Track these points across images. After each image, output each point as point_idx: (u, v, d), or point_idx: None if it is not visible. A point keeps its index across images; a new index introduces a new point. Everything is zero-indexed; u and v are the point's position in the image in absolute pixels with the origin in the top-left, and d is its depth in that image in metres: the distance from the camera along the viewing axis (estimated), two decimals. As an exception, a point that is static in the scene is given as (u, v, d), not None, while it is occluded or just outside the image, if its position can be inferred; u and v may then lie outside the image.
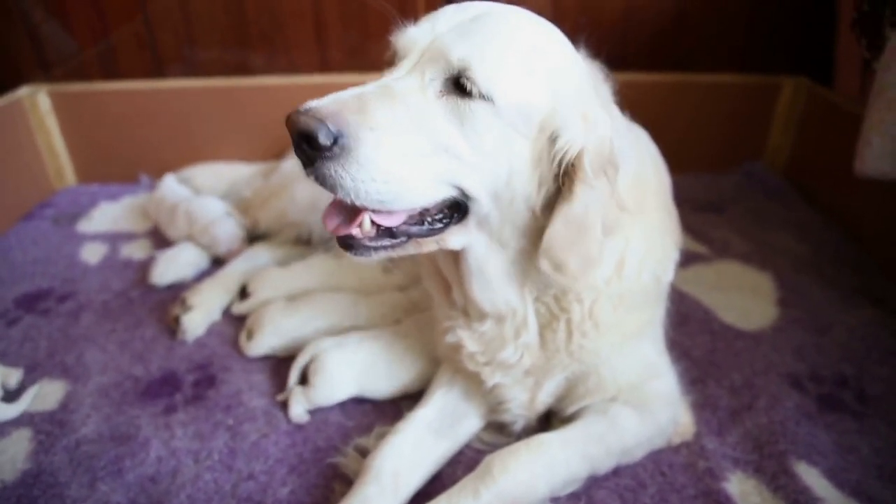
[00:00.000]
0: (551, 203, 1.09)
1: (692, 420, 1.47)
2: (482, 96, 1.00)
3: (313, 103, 0.97)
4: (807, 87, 2.67)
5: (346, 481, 1.31)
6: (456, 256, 1.20)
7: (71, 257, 2.22)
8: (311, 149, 0.95)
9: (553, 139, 1.05)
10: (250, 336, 1.72)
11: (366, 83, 1.04)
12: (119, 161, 2.74)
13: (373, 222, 1.05)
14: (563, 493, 1.28)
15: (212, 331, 1.84)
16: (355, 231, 1.06)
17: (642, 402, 1.35)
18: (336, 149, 0.95)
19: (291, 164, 2.22)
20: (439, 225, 1.11)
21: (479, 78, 0.99)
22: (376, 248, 1.09)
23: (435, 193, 1.05)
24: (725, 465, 1.38)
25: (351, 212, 1.07)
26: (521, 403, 1.37)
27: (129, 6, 2.55)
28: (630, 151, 1.25)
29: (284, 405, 1.54)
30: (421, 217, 1.10)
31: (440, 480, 1.35)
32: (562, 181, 1.06)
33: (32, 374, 1.67)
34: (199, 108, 2.66)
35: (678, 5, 2.64)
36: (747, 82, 2.75)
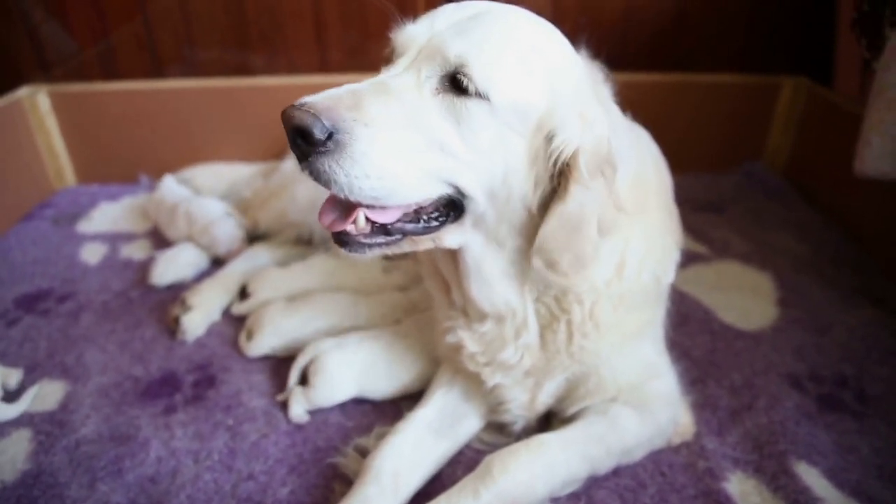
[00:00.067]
0: (547, 202, 1.09)
1: (692, 420, 1.47)
2: (478, 94, 1.00)
3: (308, 98, 0.97)
4: (807, 87, 2.67)
5: (346, 481, 1.31)
6: (454, 256, 1.20)
7: (71, 258, 2.22)
8: (306, 144, 0.96)
9: (549, 138, 1.05)
10: (250, 336, 1.72)
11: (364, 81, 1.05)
12: (119, 161, 2.74)
13: (367, 219, 1.05)
14: (563, 494, 1.28)
15: (212, 331, 1.84)
16: (350, 227, 1.06)
17: (642, 403, 1.35)
18: (330, 144, 0.96)
19: (291, 164, 2.22)
20: (435, 223, 1.11)
21: (476, 75, 0.99)
22: (371, 245, 1.09)
23: (430, 190, 1.05)
24: (725, 465, 1.38)
25: (347, 208, 1.07)
26: (521, 404, 1.37)
27: (129, 7, 2.55)
28: (631, 151, 1.25)
29: (284, 405, 1.54)
30: (416, 215, 1.10)
31: (440, 480, 1.35)
32: (557, 181, 1.06)
33: (32, 374, 1.67)
34: (199, 109, 2.67)
35: (678, 5, 2.64)
36: (747, 82, 2.76)
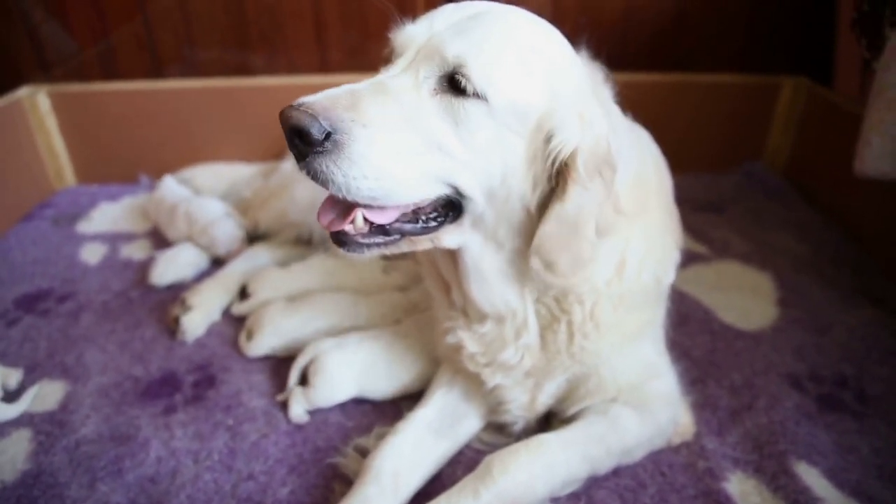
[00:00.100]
0: (546, 202, 1.09)
1: (692, 420, 1.47)
2: (476, 95, 1.00)
3: (306, 99, 0.97)
4: (807, 87, 2.67)
5: (346, 481, 1.31)
6: (454, 256, 1.20)
7: (71, 258, 2.22)
8: (304, 144, 0.96)
9: (548, 138, 1.05)
10: (250, 336, 1.72)
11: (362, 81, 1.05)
12: (119, 161, 2.74)
13: (366, 219, 1.05)
14: (563, 494, 1.28)
15: (211, 331, 1.84)
16: (348, 227, 1.06)
17: (642, 403, 1.35)
18: (328, 144, 0.96)
19: (291, 164, 2.20)
20: (433, 223, 1.11)
21: (474, 76, 0.99)
22: (369, 245, 1.09)
23: (428, 191, 1.05)
24: (725, 465, 1.38)
25: (345, 208, 1.07)
26: (521, 404, 1.37)
27: (129, 7, 2.55)
28: (631, 152, 1.25)
29: (284, 405, 1.54)
30: (415, 215, 1.10)
31: (440, 480, 1.35)
32: (555, 181, 1.06)
33: (32, 374, 1.67)
34: (199, 109, 2.67)
35: (678, 5, 2.64)
36: (747, 82, 2.76)
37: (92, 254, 2.26)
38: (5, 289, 2.03)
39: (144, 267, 2.12)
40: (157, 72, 2.69)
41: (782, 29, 2.71)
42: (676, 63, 2.74)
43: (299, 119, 0.94)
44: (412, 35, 1.08)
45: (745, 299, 1.97)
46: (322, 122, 0.95)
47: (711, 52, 2.74)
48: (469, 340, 1.31)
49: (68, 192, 2.69)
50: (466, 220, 1.12)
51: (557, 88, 1.05)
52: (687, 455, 1.41)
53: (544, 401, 1.37)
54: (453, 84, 1.01)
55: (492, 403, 1.41)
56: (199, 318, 1.82)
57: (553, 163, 1.05)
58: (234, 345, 1.77)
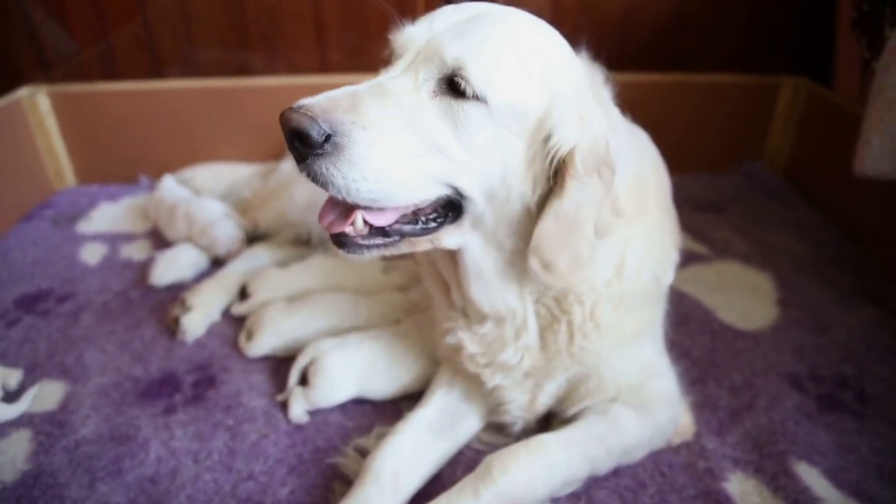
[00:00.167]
0: (545, 202, 1.09)
1: (692, 420, 1.47)
2: (476, 96, 1.00)
3: (306, 101, 0.97)
4: (807, 87, 2.67)
5: (346, 481, 1.31)
6: (454, 257, 1.20)
7: (70, 258, 2.22)
8: (304, 146, 0.96)
9: (547, 138, 1.05)
10: (250, 337, 1.72)
11: (362, 83, 1.05)
12: (118, 162, 2.74)
13: (365, 221, 1.05)
14: (563, 494, 1.28)
15: (211, 331, 1.84)
16: (348, 229, 1.06)
17: (642, 403, 1.35)
18: (328, 146, 0.96)
19: (290, 164, 2.21)
20: (433, 224, 1.11)
21: (473, 78, 0.99)
22: (369, 247, 1.09)
23: (428, 192, 1.05)
24: (725, 465, 1.38)
25: (345, 209, 1.07)
26: (521, 405, 1.37)
27: (129, 7, 2.55)
28: (630, 153, 1.25)
29: (284, 405, 1.54)
30: (414, 216, 1.10)
31: (440, 480, 1.35)
32: (554, 180, 1.06)
33: (32, 374, 1.67)
34: (199, 109, 2.66)
35: (678, 5, 2.64)
36: (747, 82, 2.75)
37: (92, 254, 2.26)
38: (5, 289, 2.03)
39: (144, 267, 2.12)
40: (157, 72, 2.69)
41: (782, 29, 2.71)
42: (676, 63, 2.74)
43: (299, 121, 0.94)
44: (412, 37, 1.08)
45: (745, 299, 1.97)
46: (322, 124, 0.95)
47: (711, 52, 2.74)
48: (469, 341, 1.31)
49: (68, 193, 2.69)
50: (466, 220, 1.12)
51: (556, 89, 1.05)
52: (687, 455, 1.41)
53: (544, 401, 1.37)
54: (452, 86, 1.01)
55: (492, 404, 1.41)
56: (198, 318, 1.82)
57: (552, 161, 1.05)
58: (234, 345, 1.77)
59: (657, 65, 2.73)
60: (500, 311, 1.24)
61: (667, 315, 1.47)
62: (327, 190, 1.00)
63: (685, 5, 2.64)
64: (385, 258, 1.87)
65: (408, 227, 1.10)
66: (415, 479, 1.30)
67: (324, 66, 2.72)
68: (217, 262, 2.14)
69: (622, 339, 1.31)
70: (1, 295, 1.99)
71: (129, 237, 2.37)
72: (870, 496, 1.31)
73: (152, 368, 1.69)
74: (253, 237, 2.21)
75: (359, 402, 1.57)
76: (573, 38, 1.17)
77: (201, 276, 2.08)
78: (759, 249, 2.24)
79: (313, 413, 1.53)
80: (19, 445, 1.45)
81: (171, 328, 1.83)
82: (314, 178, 0.99)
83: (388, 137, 0.99)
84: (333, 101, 0.98)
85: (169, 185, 2.43)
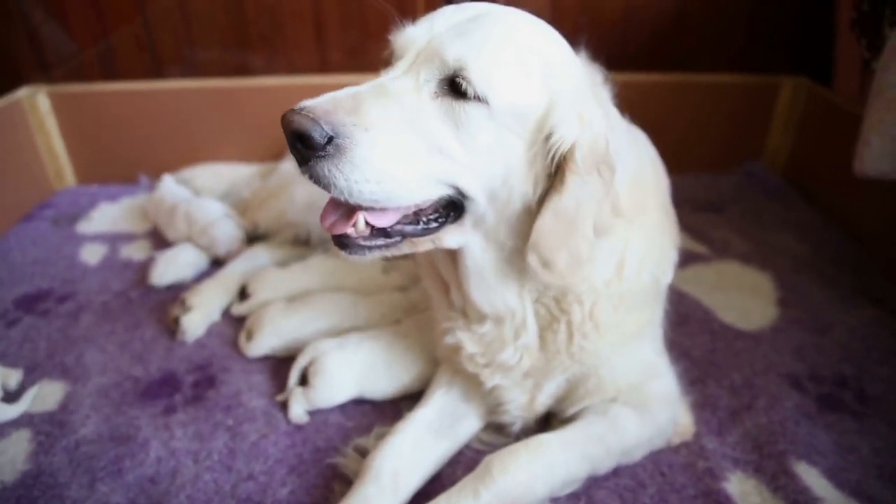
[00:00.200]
0: (545, 201, 1.08)
1: (692, 420, 1.47)
2: (477, 97, 1.00)
3: (308, 102, 0.97)
4: (807, 87, 2.67)
5: (346, 481, 1.31)
6: (454, 256, 1.20)
7: (70, 258, 2.22)
8: (306, 148, 0.96)
9: (548, 137, 1.05)
10: (250, 337, 1.72)
11: (363, 83, 1.05)
12: (118, 162, 2.74)
13: (367, 222, 1.05)
14: (563, 494, 1.28)
15: (211, 331, 1.84)
16: (350, 230, 1.06)
17: (642, 403, 1.35)
18: (330, 148, 0.96)
19: (290, 164, 2.22)
20: (434, 224, 1.11)
21: (475, 78, 0.99)
22: (371, 248, 1.09)
23: (429, 193, 1.05)
24: (725, 465, 1.38)
25: (347, 210, 1.07)
26: (520, 405, 1.37)
27: (129, 7, 2.55)
28: (629, 154, 1.25)
29: (284, 405, 1.54)
30: (416, 217, 1.10)
31: (440, 480, 1.35)
32: (554, 178, 1.06)
33: (32, 374, 1.67)
34: (199, 109, 2.67)
35: (678, 5, 2.64)
36: (747, 82, 2.75)
37: (92, 254, 2.26)
38: (5, 289, 2.03)
39: (144, 267, 2.12)
40: (156, 72, 2.69)
41: (782, 29, 2.71)
42: (676, 63, 2.74)
43: (301, 123, 0.94)
44: (412, 37, 1.08)
45: (745, 299, 1.97)
46: (324, 126, 0.95)
47: (711, 52, 2.74)
48: (468, 341, 1.31)
49: (68, 193, 2.69)
50: (467, 220, 1.12)
51: (557, 88, 1.06)
52: (687, 455, 1.41)
53: (543, 401, 1.37)
54: (454, 87, 1.01)
55: (491, 404, 1.41)
56: (198, 318, 1.82)
57: (553, 158, 1.05)
58: (234, 345, 1.77)
59: (657, 65, 2.72)
60: (500, 311, 1.24)
61: (666, 315, 1.47)
62: (330, 192, 1.00)
63: (685, 5, 2.64)
64: (386, 259, 1.87)
65: (409, 228, 1.10)
66: (414, 479, 1.30)
67: (324, 66, 2.72)
68: (217, 262, 2.14)
69: (621, 339, 1.31)
70: (1, 295, 1.99)
71: (129, 237, 2.37)
72: (870, 496, 1.31)
73: (152, 368, 1.69)
74: (253, 237, 2.21)
75: (359, 402, 1.57)
76: (573, 38, 1.17)
77: (201, 277, 2.08)
78: (759, 249, 2.24)
79: (313, 413, 1.53)
80: (19, 445, 1.45)
81: (171, 328, 1.83)
82: (316, 180, 0.99)
83: (390, 138, 0.99)
84: (335, 103, 0.98)
85: (169, 186, 2.43)
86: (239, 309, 1.87)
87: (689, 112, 2.72)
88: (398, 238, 1.10)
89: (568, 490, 1.29)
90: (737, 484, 1.34)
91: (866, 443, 1.44)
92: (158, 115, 2.67)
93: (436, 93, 1.03)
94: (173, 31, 2.61)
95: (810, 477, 1.34)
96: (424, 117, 1.02)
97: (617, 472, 1.35)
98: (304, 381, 1.56)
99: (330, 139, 0.95)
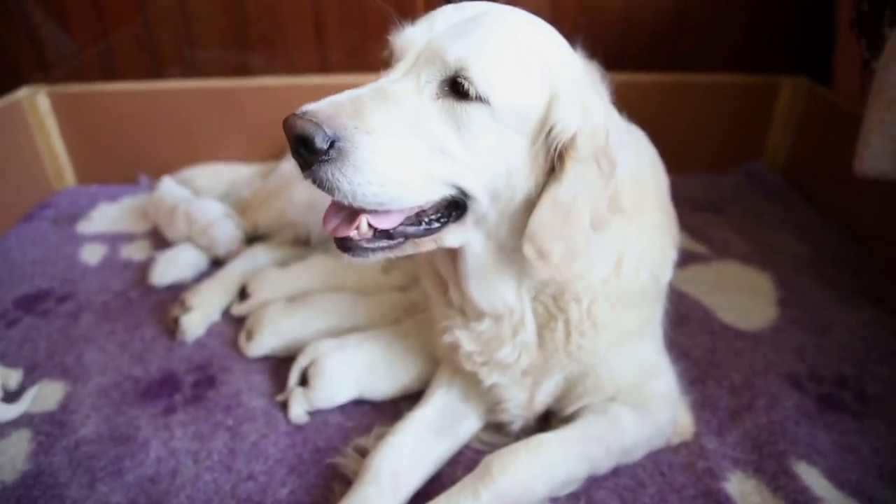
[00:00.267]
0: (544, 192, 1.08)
1: (692, 420, 1.47)
2: (478, 97, 1.00)
3: (310, 107, 0.97)
4: (807, 87, 2.67)
5: (346, 481, 1.31)
6: (453, 255, 1.20)
7: (70, 258, 2.22)
8: (308, 152, 0.96)
9: (550, 131, 1.05)
10: (250, 337, 1.72)
11: (364, 84, 1.05)
12: (118, 162, 2.74)
13: (370, 224, 1.06)
14: (563, 493, 1.28)
15: (211, 331, 1.84)
16: (353, 233, 1.06)
17: (641, 402, 1.35)
18: (332, 152, 0.96)
19: (290, 164, 2.22)
20: (436, 224, 1.12)
21: (476, 78, 0.99)
22: (374, 250, 1.09)
23: (432, 194, 1.05)
24: (725, 465, 1.38)
25: (350, 213, 1.07)
26: (519, 403, 1.37)
27: (129, 7, 2.55)
28: (628, 153, 1.25)
29: (284, 405, 1.54)
30: (418, 217, 1.10)
31: (440, 480, 1.35)
32: (555, 165, 1.06)
33: (32, 374, 1.67)
34: (199, 109, 2.67)
35: (678, 5, 2.64)
36: (747, 82, 2.75)
37: (92, 254, 2.26)
38: (5, 289, 2.03)
39: (144, 267, 2.12)
40: (157, 72, 2.69)
41: (782, 29, 2.71)
42: (676, 63, 2.74)
43: (303, 128, 0.94)
44: (412, 38, 1.08)
45: (745, 299, 1.96)
46: (326, 130, 0.95)
47: (711, 52, 2.74)
48: (466, 339, 1.31)
49: (68, 193, 2.69)
50: (469, 219, 1.12)
51: (557, 83, 1.06)
52: (686, 455, 1.41)
53: (543, 399, 1.37)
54: (454, 87, 1.01)
55: (490, 402, 1.41)
56: (198, 318, 1.82)
57: (555, 149, 1.04)
58: (234, 345, 1.77)
59: (657, 65, 2.73)
60: (498, 309, 1.24)
61: (666, 314, 1.47)
62: (333, 196, 1.00)
63: (685, 5, 2.64)
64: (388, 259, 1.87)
65: (411, 229, 1.10)
66: (414, 479, 1.30)
67: (324, 66, 2.72)
68: (217, 263, 2.14)
69: (620, 337, 1.31)
70: (1, 295, 2.00)
71: (129, 237, 2.37)
72: (870, 496, 1.31)
73: (152, 368, 1.69)
74: (253, 237, 2.21)
75: (358, 403, 1.57)
76: (572, 38, 1.17)
77: (201, 277, 2.08)
78: (759, 249, 2.23)
79: (313, 413, 1.53)
80: (19, 445, 1.45)
81: (171, 328, 1.83)
82: (320, 184, 0.99)
83: (392, 141, 0.99)
84: (337, 107, 0.98)
85: (169, 186, 2.43)
86: (239, 309, 1.87)
87: (689, 112, 2.72)
88: (401, 239, 1.10)
89: (568, 490, 1.29)
90: (737, 484, 1.34)
91: (866, 443, 1.44)
92: (158, 115, 2.67)
93: (437, 94, 1.03)
94: (173, 31, 2.61)
95: (810, 477, 1.34)
96: (426, 119, 1.02)
97: (617, 471, 1.35)
98: (303, 381, 1.56)
99: (332, 143, 0.95)
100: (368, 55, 2.64)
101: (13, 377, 1.63)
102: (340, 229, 1.07)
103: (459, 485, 1.21)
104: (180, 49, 2.65)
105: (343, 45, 2.67)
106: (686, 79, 2.73)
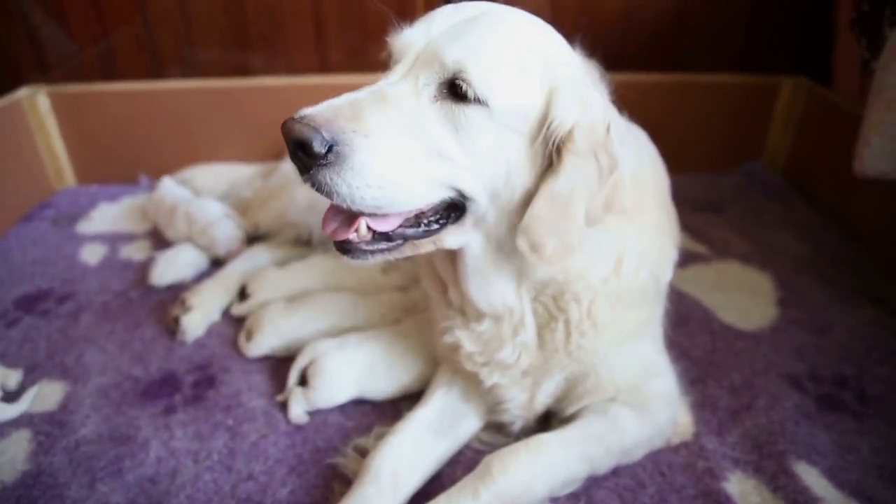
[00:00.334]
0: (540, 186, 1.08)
1: (691, 420, 1.47)
2: (477, 100, 1.00)
3: (308, 111, 0.97)
4: (806, 87, 2.67)
5: (346, 481, 1.31)
6: (453, 256, 1.20)
7: (70, 258, 2.22)
8: (307, 156, 0.96)
9: (549, 127, 1.04)
10: (250, 337, 1.72)
11: (364, 85, 1.05)
12: (118, 162, 2.74)
13: (369, 227, 1.06)
14: (563, 494, 1.28)
15: (211, 331, 1.84)
16: (352, 236, 1.06)
17: (641, 402, 1.35)
18: (331, 156, 0.96)
19: (290, 165, 2.21)
20: (435, 226, 1.12)
21: (474, 80, 0.99)
22: (373, 252, 1.09)
23: (431, 196, 1.05)
24: (725, 465, 1.38)
25: (349, 216, 1.07)
26: (519, 404, 1.37)
27: (129, 7, 2.55)
28: (629, 152, 1.25)
29: (284, 405, 1.54)
30: (417, 219, 1.10)
31: (440, 480, 1.35)
32: (553, 160, 1.05)
33: (32, 374, 1.67)
34: (199, 109, 2.67)
35: (678, 5, 2.64)
36: (747, 82, 2.75)
37: (92, 254, 2.26)
38: (5, 289, 2.03)
39: (144, 267, 2.12)
40: (156, 72, 2.69)
41: (782, 29, 2.71)
42: (676, 63, 2.74)
43: (301, 132, 0.94)
44: (410, 40, 1.08)
45: (745, 299, 1.96)
46: (324, 134, 0.95)
47: (711, 52, 2.74)
48: (466, 339, 1.31)
49: (68, 193, 2.69)
50: (468, 220, 1.12)
51: (556, 80, 1.05)
52: (686, 455, 1.41)
53: (543, 400, 1.37)
54: (453, 89, 1.01)
55: (490, 403, 1.41)
56: (198, 318, 1.82)
57: (554, 143, 1.04)
58: (234, 345, 1.77)
59: (657, 65, 2.73)
60: (498, 310, 1.24)
61: (666, 314, 1.47)
62: (331, 199, 1.00)
63: (685, 5, 2.64)
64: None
65: (410, 231, 1.10)
66: (414, 479, 1.30)
67: (324, 67, 2.72)
68: (217, 263, 2.14)
69: (620, 337, 1.30)
70: (1, 295, 2.00)
71: (129, 237, 2.37)
72: (869, 496, 1.31)
73: (152, 368, 1.69)
74: (253, 237, 2.21)
75: (358, 403, 1.57)
76: (572, 38, 1.17)
77: (201, 276, 2.08)
78: (759, 249, 2.24)
79: (313, 413, 1.53)
80: (19, 445, 1.45)
81: (171, 328, 1.83)
82: (318, 187, 0.99)
83: (391, 144, 0.99)
84: (335, 110, 0.98)
85: (169, 186, 2.43)
86: (239, 309, 1.87)
87: (689, 112, 2.72)
88: (400, 241, 1.10)
89: (568, 490, 1.29)
90: (737, 484, 1.34)
91: (866, 443, 1.44)
92: (158, 115, 2.67)
93: (435, 96, 1.03)
94: (173, 31, 2.61)
95: (810, 477, 1.34)
96: (424, 121, 1.02)
97: (617, 471, 1.35)
98: (303, 381, 1.56)
99: (330, 147, 0.95)
100: (368, 55, 2.64)
101: (13, 377, 1.63)
102: (339, 232, 1.07)
103: (459, 485, 1.21)
104: (180, 49, 2.65)
105: (343, 45, 2.67)
106: (686, 79, 2.73)
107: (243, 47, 2.67)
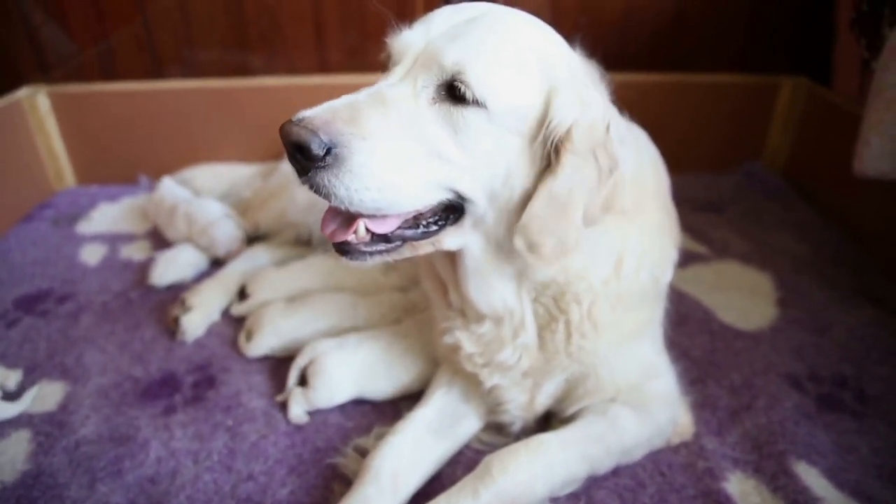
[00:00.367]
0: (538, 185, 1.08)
1: (691, 420, 1.47)
2: (476, 102, 1.00)
3: (306, 113, 0.97)
4: (806, 87, 2.67)
5: (346, 482, 1.31)
6: (452, 257, 1.20)
7: (70, 258, 2.22)
8: (305, 159, 0.96)
9: (548, 126, 1.04)
10: (249, 337, 1.72)
11: (363, 86, 1.05)
12: (118, 162, 2.74)
13: (367, 228, 1.06)
14: (563, 494, 1.28)
15: (211, 332, 1.84)
16: (351, 237, 1.06)
17: (641, 403, 1.35)
18: (329, 158, 0.96)
19: (290, 165, 2.21)
20: (434, 228, 1.12)
21: (473, 82, 0.99)
22: (371, 254, 1.09)
23: (429, 198, 1.05)
24: (725, 465, 1.38)
25: (348, 217, 1.07)
26: (519, 404, 1.37)
27: (129, 7, 2.55)
28: (629, 152, 1.25)
29: (284, 406, 1.54)
30: (415, 221, 1.10)
31: (439, 481, 1.35)
32: (552, 159, 1.05)
33: (32, 375, 1.67)
34: (199, 110, 2.67)
35: (678, 5, 2.64)
36: (747, 82, 2.76)
37: (92, 254, 2.26)
38: (5, 289, 2.03)
39: (144, 267, 2.12)
40: (156, 72, 2.69)
41: (782, 29, 2.71)
42: (676, 63, 2.74)
43: (300, 135, 0.94)
44: (409, 41, 1.07)
45: (745, 299, 1.97)
46: (322, 136, 0.95)
47: (711, 52, 2.74)
48: (466, 341, 1.31)
49: (68, 193, 2.69)
50: (467, 221, 1.12)
51: (555, 80, 1.05)
52: (686, 455, 1.41)
53: (543, 401, 1.37)
54: (451, 91, 1.01)
55: (491, 403, 1.41)
56: (198, 318, 1.82)
57: (552, 143, 1.04)
58: (234, 345, 1.77)
59: (657, 65, 2.73)
60: (498, 311, 1.24)
61: (666, 315, 1.47)
62: (330, 201, 1.00)
63: (685, 5, 2.64)
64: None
65: (409, 232, 1.10)
66: (414, 479, 1.30)
67: (323, 67, 2.72)
68: (217, 263, 2.14)
69: (620, 338, 1.30)
70: (1, 295, 2.00)
71: (129, 237, 2.37)
72: (869, 496, 1.31)
73: (152, 369, 1.69)
74: (253, 237, 2.21)
75: (358, 403, 1.57)
76: (572, 38, 1.17)
77: (201, 277, 2.08)
78: (758, 249, 2.24)
79: (313, 413, 1.53)
80: (19, 445, 1.45)
81: (171, 328, 1.83)
82: (317, 190, 0.99)
83: (389, 146, 0.99)
84: (333, 113, 0.98)
85: (169, 186, 2.43)
86: (238, 309, 1.87)
87: (689, 112, 2.72)
88: (398, 243, 1.10)
89: (568, 490, 1.29)
90: (736, 484, 1.34)
91: (866, 443, 1.44)
92: (158, 115, 2.67)
93: (433, 98, 1.03)
94: (173, 31, 2.61)
95: (810, 477, 1.34)
96: (422, 123, 1.02)
97: (617, 471, 1.35)
98: (303, 381, 1.56)
99: (329, 149, 0.95)
100: (368, 56, 2.64)
101: (13, 377, 1.63)
102: (338, 234, 1.07)
103: (459, 485, 1.21)
104: (180, 49, 2.65)
105: (343, 45, 2.67)
106: (686, 79, 2.73)
107: (243, 47, 2.66)
